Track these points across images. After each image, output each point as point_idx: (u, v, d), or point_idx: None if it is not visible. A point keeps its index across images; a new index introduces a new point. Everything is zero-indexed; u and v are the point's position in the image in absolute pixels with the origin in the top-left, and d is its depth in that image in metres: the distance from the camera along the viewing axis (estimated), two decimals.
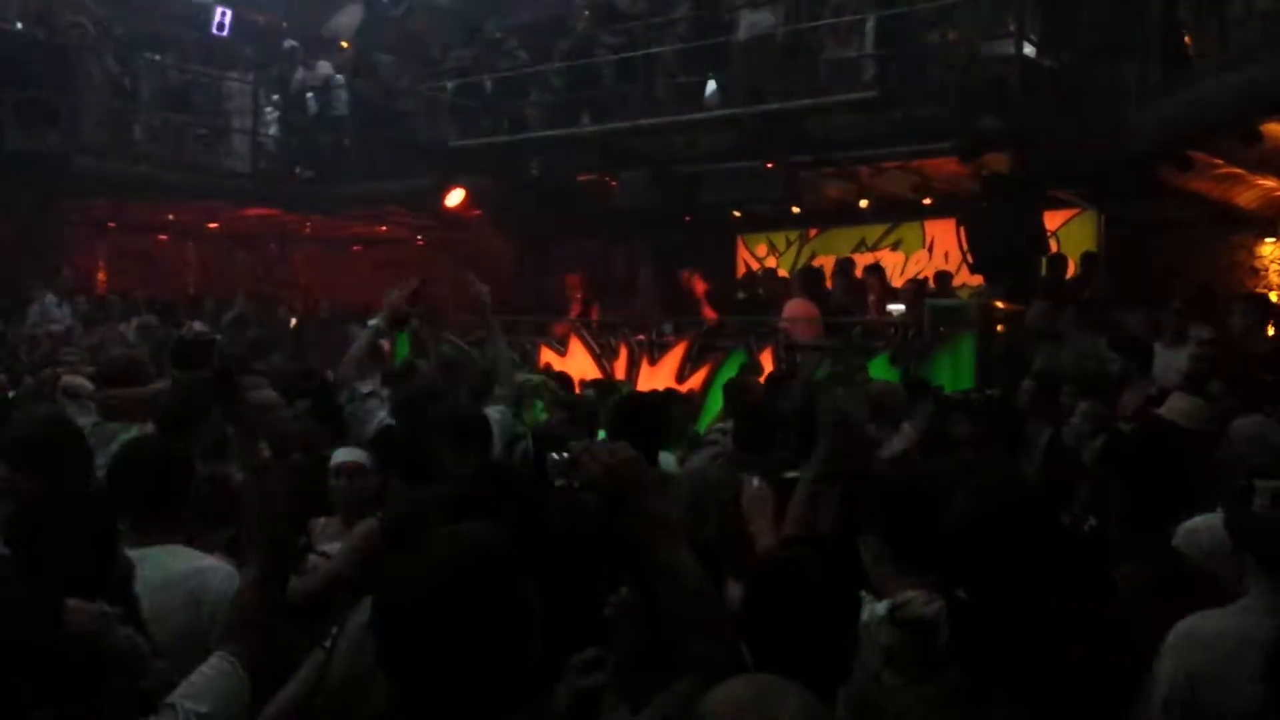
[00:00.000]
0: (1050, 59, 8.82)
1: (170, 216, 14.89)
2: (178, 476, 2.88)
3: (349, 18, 16.58)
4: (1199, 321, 6.99)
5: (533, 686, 1.60)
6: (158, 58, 13.45)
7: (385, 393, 4.65)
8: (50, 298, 11.01)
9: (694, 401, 8.04)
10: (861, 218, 12.37)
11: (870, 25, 9.20)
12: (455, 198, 11.84)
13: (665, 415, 4.22)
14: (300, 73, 14.02)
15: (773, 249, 13.96)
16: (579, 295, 12.18)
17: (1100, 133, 8.44)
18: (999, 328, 8.29)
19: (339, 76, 13.98)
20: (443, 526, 1.71)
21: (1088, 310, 7.81)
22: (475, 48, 12.65)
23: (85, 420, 4.19)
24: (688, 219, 12.19)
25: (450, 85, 12.52)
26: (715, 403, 7.77)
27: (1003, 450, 4.68)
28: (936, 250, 12.43)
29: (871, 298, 10.28)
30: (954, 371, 7.60)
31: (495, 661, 1.49)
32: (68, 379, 5.23)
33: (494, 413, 4.36)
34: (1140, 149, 8.36)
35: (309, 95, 13.87)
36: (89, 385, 4.84)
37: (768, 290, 11.42)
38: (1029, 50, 8.64)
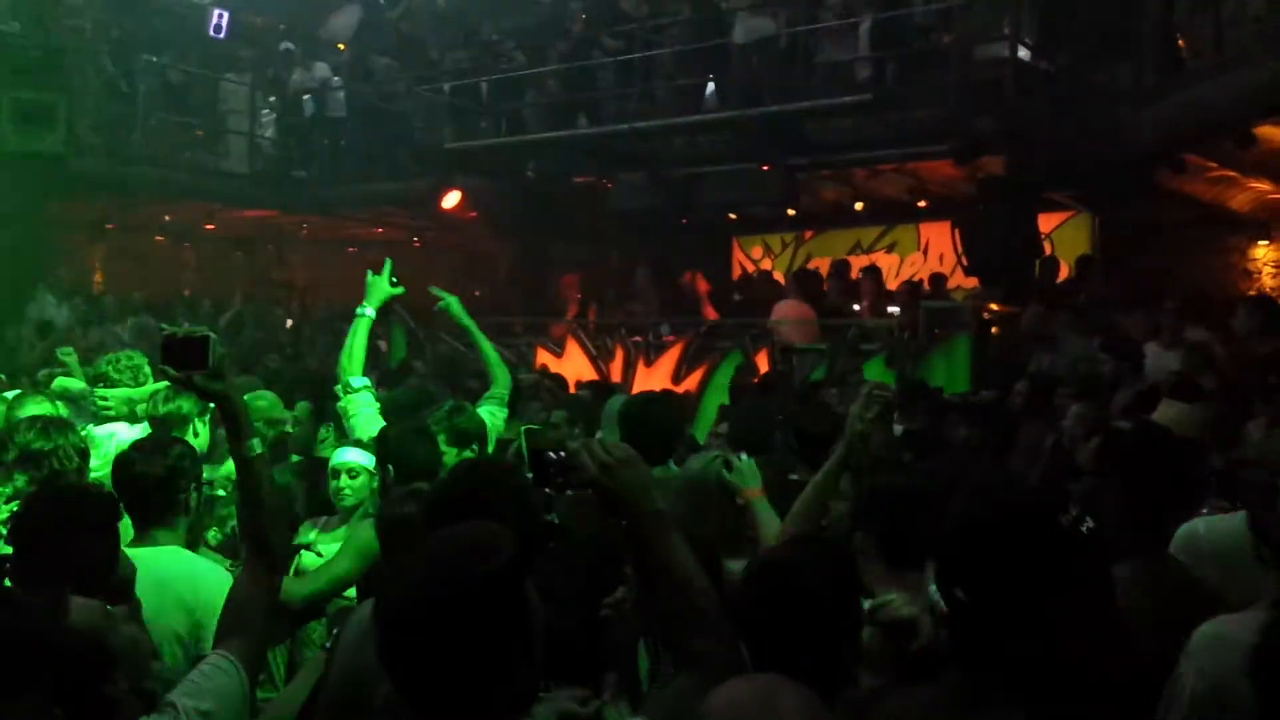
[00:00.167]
0: (1045, 62, 8.85)
1: (167, 217, 14.87)
2: (174, 478, 2.89)
3: (346, 20, 16.56)
4: (1195, 324, 7.00)
5: (535, 688, 1.60)
6: (155, 59, 13.43)
7: (372, 383, 4.63)
8: (49, 298, 11.01)
9: (690, 403, 8.05)
10: (857, 220, 12.40)
11: (865, 28, 9.23)
12: (452, 199, 11.85)
13: (678, 416, 4.23)
14: (297, 74, 14.01)
15: (768, 251, 13.98)
16: (576, 297, 12.20)
17: (1095, 135, 8.46)
18: (994, 330, 8.31)
19: (336, 78, 13.99)
20: (439, 527, 1.71)
21: (1083, 313, 7.82)
22: (472, 50, 12.67)
23: (80, 422, 4.19)
24: (684, 221, 12.22)
25: (447, 87, 12.53)
26: (711, 404, 7.78)
27: (996, 452, 4.69)
28: (931, 253, 12.46)
29: (866, 301, 10.30)
30: (949, 374, 7.61)
31: (497, 662, 1.49)
32: (63, 380, 5.25)
33: (483, 414, 4.36)
34: (1135, 152, 8.38)
35: (306, 97, 13.86)
36: (84, 386, 4.85)
37: (758, 292, 11.46)
38: (1024, 53, 8.67)
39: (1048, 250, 10.13)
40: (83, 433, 3.64)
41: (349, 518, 3.71)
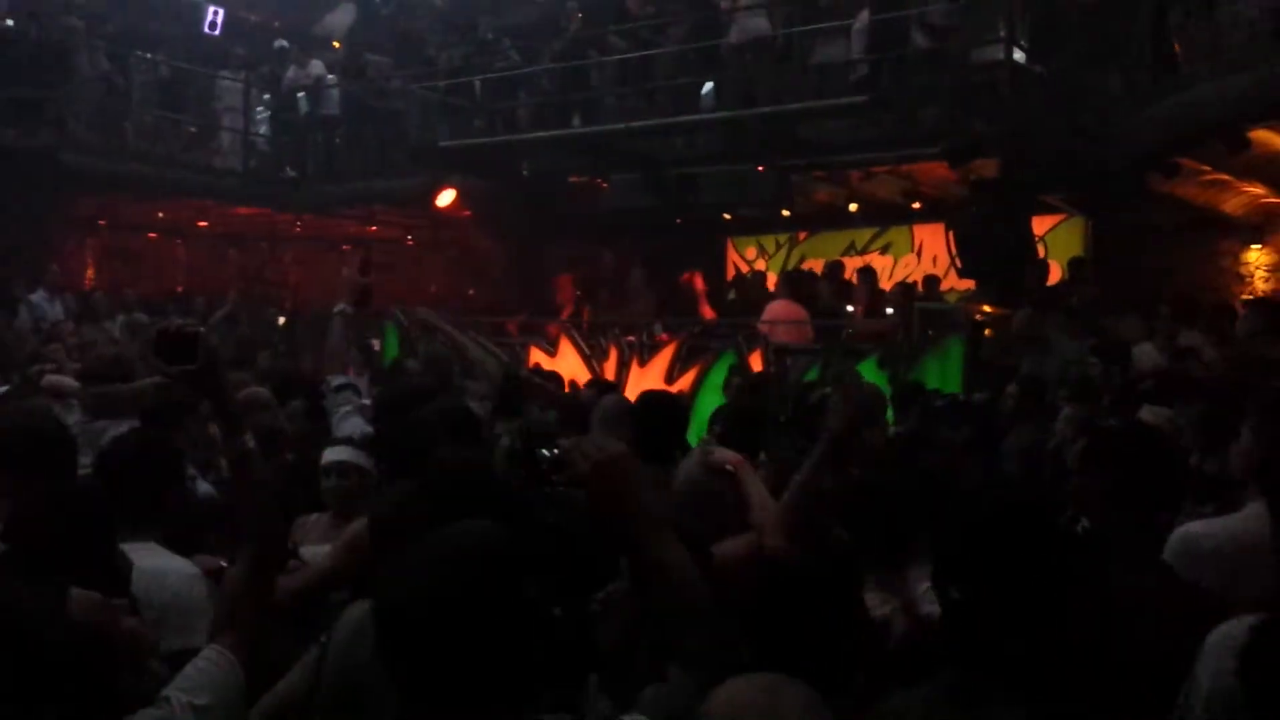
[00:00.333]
0: (1040, 64, 8.86)
1: (160, 214, 14.82)
2: (162, 473, 2.88)
3: (341, 17, 16.57)
4: (1189, 328, 7.02)
5: (535, 687, 1.60)
6: (149, 56, 13.40)
7: (362, 385, 4.63)
8: (41, 294, 10.97)
9: (683, 403, 8.04)
10: (851, 221, 12.42)
11: (860, 29, 9.24)
12: (446, 198, 11.82)
13: (683, 414, 4.22)
14: (292, 72, 13.99)
15: (762, 252, 13.99)
16: (570, 296, 12.19)
17: (1089, 138, 8.49)
18: (987, 332, 8.31)
19: (330, 76, 13.96)
20: (432, 525, 1.70)
21: (1076, 315, 7.83)
22: (467, 48, 12.65)
23: (71, 418, 4.17)
24: (679, 221, 12.22)
25: (442, 85, 12.51)
26: (705, 404, 7.78)
27: (984, 453, 4.70)
28: (925, 254, 12.48)
29: (860, 302, 10.31)
30: (942, 375, 7.62)
31: (498, 661, 1.48)
32: (52, 377, 5.22)
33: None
34: (1129, 155, 8.40)
35: (300, 94, 13.84)
36: (74, 383, 4.82)
37: (750, 292, 11.47)
38: (1019, 55, 8.68)
39: (1041, 253, 10.16)
40: (72, 430, 3.62)
41: (340, 516, 3.69)
